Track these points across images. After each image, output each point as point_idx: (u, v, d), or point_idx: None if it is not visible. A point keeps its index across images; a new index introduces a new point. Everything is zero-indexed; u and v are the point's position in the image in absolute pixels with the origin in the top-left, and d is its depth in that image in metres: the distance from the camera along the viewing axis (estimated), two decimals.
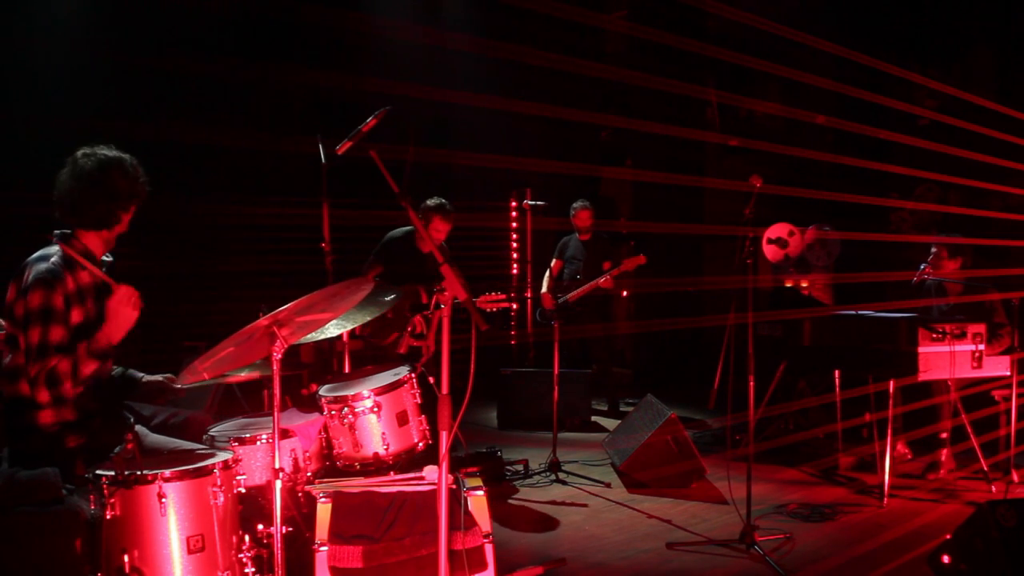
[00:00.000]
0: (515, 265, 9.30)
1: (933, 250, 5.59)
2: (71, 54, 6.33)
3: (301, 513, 3.40)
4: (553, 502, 4.96)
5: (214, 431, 3.49)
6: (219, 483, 2.75)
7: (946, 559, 3.54)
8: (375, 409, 3.62)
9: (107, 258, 3.23)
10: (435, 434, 2.78)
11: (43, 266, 2.95)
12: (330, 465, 3.73)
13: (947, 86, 7.28)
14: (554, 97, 8.58)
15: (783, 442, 6.01)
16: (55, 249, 3.03)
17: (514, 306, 8.27)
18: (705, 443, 6.15)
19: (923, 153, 7.13)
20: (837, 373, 5.76)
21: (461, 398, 2.60)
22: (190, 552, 2.66)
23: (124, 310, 2.96)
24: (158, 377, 3.42)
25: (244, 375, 3.53)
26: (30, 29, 6.51)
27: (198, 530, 2.68)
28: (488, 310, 5.32)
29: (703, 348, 8.30)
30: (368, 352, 5.70)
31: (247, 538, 2.90)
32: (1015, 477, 5.15)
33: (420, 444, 3.78)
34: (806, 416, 6.32)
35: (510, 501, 4.98)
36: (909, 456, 5.61)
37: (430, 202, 5.79)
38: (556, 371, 5.48)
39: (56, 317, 2.91)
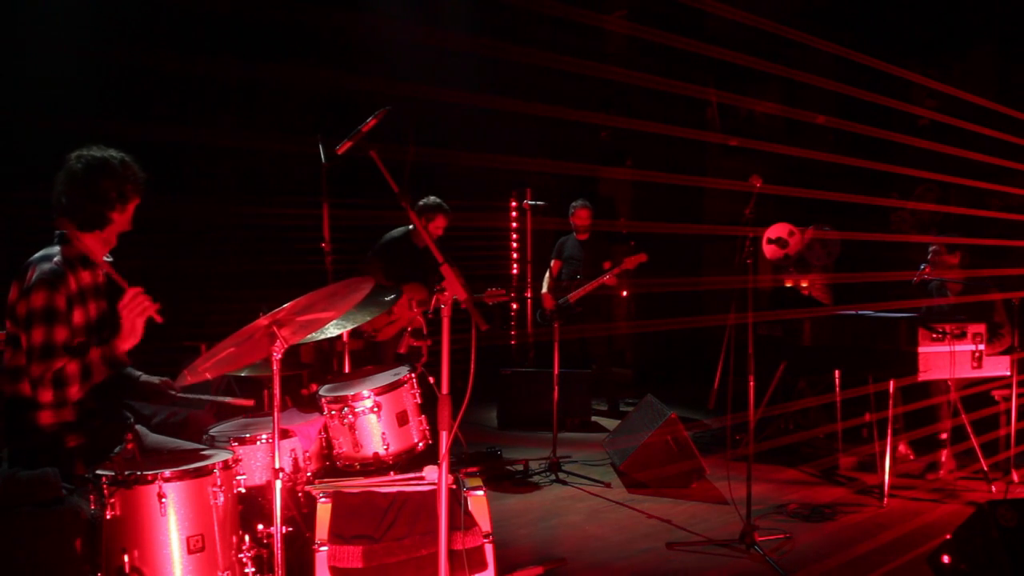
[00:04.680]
0: (515, 265, 9.30)
1: (933, 248, 5.61)
2: (71, 54, 6.32)
3: (301, 513, 3.40)
4: (553, 502, 4.96)
5: (214, 431, 3.49)
6: (219, 483, 2.75)
7: (946, 559, 3.54)
8: (375, 409, 3.62)
9: (107, 258, 3.23)
10: (435, 434, 2.78)
11: (46, 266, 2.94)
12: (330, 465, 3.73)
13: (947, 86, 7.28)
14: (554, 97, 8.57)
15: (783, 442, 6.01)
16: (56, 249, 3.03)
17: (514, 306, 8.30)
18: (705, 443, 6.15)
19: (923, 153, 7.13)
20: (837, 373, 5.76)
21: (461, 398, 2.60)
22: (190, 552, 2.66)
23: (130, 316, 2.88)
24: (155, 379, 3.42)
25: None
26: (30, 29, 6.51)
27: (198, 530, 2.68)
28: (487, 303, 5.45)
29: (703, 348, 8.30)
30: (367, 353, 5.73)
31: (247, 538, 2.90)
32: (1015, 477, 5.15)
33: (420, 444, 3.78)
34: (806, 416, 6.32)
35: (510, 501, 4.98)
36: (911, 457, 5.61)
37: (430, 201, 5.84)
38: (556, 371, 5.48)
39: (59, 317, 2.90)
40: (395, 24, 7.84)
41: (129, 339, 2.93)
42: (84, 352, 2.92)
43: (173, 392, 3.42)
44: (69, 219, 3.04)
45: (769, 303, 6.22)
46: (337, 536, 3.07)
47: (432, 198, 5.92)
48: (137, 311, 2.89)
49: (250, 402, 3.78)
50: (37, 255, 3.02)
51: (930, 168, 7.34)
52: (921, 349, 4.73)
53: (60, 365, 2.86)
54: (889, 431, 4.88)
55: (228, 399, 3.77)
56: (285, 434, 3.44)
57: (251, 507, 3.22)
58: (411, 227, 5.91)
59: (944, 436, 5.21)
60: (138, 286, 2.93)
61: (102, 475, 2.62)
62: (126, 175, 3.07)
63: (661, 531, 4.45)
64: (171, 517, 2.64)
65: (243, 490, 3.10)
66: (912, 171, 7.40)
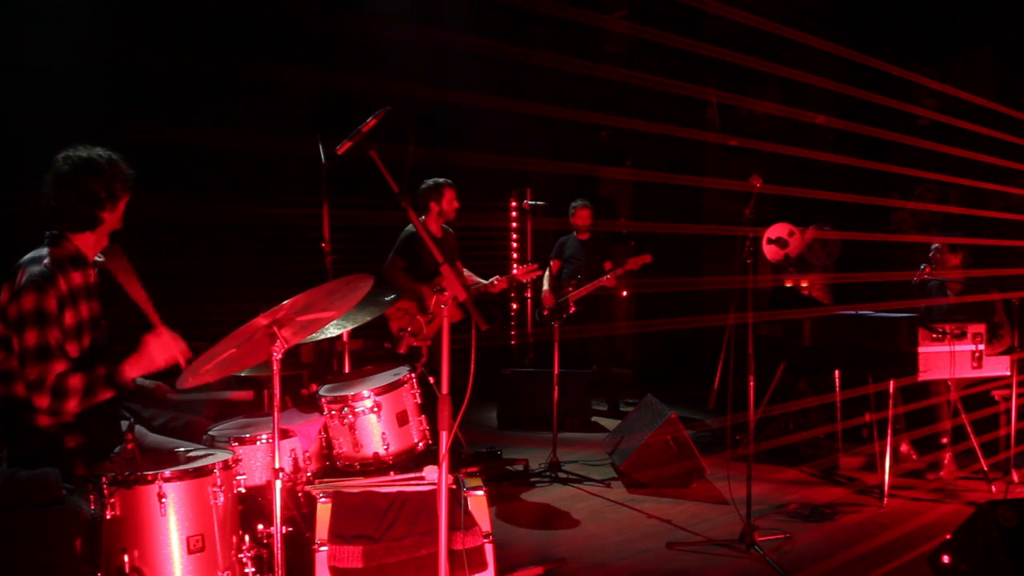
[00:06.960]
0: (515, 265, 9.28)
1: (935, 246, 5.60)
2: (71, 54, 6.31)
3: (301, 513, 3.40)
4: (553, 502, 4.96)
5: (214, 431, 3.49)
6: (219, 483, 2.75)
7: (946, 559, 3.54)
8: (375, 409, 3.62)
9: (99, 258, 3.22)
10: (435, 434, 2.78)
11: (35, 269, 2.91)
12: (330, 465, 3.73)
13: (947, 86, 7.28)
14: (554, 97, 8.57)
15: (783, 442, 6.01)
16: (46, 251, 3.00)
17: (514, 306, 8.29)
18: (705, 443, 6.15)
19: (923, 153, 7.13)
20: (837, 373, 5.76)
21: (461, 398, 2.60)
22: (190, 552, 2.66)
23: (154, 352, 2.93)
24: (150, 383, 3.41)
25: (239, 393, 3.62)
26: (27, 27, 6.51)
27: (198, 530, 2.68)
28: (523, 281, 5.52)
29: (703, 348, 8.30)
30: (371, 353, 5.72)
31: (247, 538, 2.90)
32: (1015, 477, 5.15)
33: (420, 444, 3.78)
34: (806, 416, 6.31)
35: (510, 501, 4.98)
36: (914, 457, 5.61)
37: (430, 182, 5.72)
38: (556, 371, 5.48)
39: (51, 319, 2.87)
40: (395, 24, 7.84)
41: (140, 369, 2.95)
42: (90, 368, 2.90)
43: (169, 397, 3.41)
44: (60, 221, 3.03)
45: (769, 303, 6.22)
46: (337, 536, 3.07)
47: (432, 179, 5.77)
48: (163, 351, 2.94)
49: (249, 394, 3.76)
50: (27, 257, 3.00)
51: (930, 168, 7.34)
52: (921, 349, 4.73)
53: (60, 370, 2.85)
54: (889, 431, 4.88)
55: (225, 394, 3.76)
56: (285, 434, 3.44)
57: (251, 507, 3.22)
58: (425, 220, 5.86)
59: (945, 440, 5.21)
60: (175, 331, 2.98)
61: (102, 475, 2.62)
62: (114, 173, 3.04)
63: (661, 531, 4.45)
64: (171, 517, 2.63)
65: (243, 490, 3.10)
66: (912, 171, 7.40)
